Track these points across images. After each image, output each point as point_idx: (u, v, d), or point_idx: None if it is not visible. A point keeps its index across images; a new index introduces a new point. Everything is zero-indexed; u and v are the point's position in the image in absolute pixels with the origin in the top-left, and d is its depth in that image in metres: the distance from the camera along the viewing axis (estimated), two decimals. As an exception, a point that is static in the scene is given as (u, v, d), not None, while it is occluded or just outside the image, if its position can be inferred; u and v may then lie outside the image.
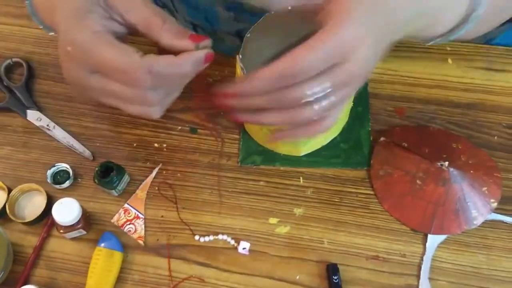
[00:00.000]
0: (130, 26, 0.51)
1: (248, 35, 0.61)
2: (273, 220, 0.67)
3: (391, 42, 0.52)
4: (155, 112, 0.53)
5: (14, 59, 0.77)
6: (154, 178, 0.69)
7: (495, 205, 0.66)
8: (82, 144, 0.71)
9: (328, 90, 0.48)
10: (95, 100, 0.54)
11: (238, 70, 0.60)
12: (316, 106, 0.49)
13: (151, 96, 0.50)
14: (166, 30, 0.51)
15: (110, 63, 0.47)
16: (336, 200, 0.68)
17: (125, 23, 0.51)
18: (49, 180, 0.68)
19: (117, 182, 0.66)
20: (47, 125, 0.72)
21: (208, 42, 0.53)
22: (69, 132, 0.72)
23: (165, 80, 0.51)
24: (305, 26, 0.66)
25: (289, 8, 0.61)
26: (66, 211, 0.62)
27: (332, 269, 0.62)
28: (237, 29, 0.72)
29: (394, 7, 0.50)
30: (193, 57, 0.50)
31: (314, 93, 0.48)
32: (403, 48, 0.76)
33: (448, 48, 0.76)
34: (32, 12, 0.60)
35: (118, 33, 0.51)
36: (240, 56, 0.60)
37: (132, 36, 0.54)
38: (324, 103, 0.49)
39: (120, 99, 0.51)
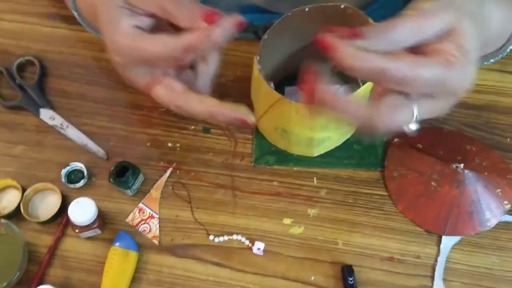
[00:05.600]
0: (153, 15, 0.54)
1: (265, 36, 0.61)
2: (287, 221, 0.67)
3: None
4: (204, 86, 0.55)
5: (26, 57, 0.76)
6: (168, 177, 0.69)
7: (508, 206, 0.66)
8: (96, 144, 0.71)
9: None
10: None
11: (256, 72, 0.61)
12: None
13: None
14: (182, 14, 0.52)
15: (152, 55, 0.52)
16: (350, 201, 0.68)
17: (148, 14, 0.54)
18: (63, 180, 0.68)
19: (133, 181, 0.66)
20: (61, 124, 0.72)
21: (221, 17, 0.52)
22: (82, 131, 0.72)
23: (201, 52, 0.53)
24: (322, 27, 0.67)
25: (306, 9, 0.61)
26: (82, 210, 0.62)
27: (347, 271, 0.63)
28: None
29: None
30: (223, 30, 0.50)
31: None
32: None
33: (461, 49, 0.76)
34: (78, 15, 0.69)
35: (150, 25, 0.54)
36: (258, 57, 0.60)
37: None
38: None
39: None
